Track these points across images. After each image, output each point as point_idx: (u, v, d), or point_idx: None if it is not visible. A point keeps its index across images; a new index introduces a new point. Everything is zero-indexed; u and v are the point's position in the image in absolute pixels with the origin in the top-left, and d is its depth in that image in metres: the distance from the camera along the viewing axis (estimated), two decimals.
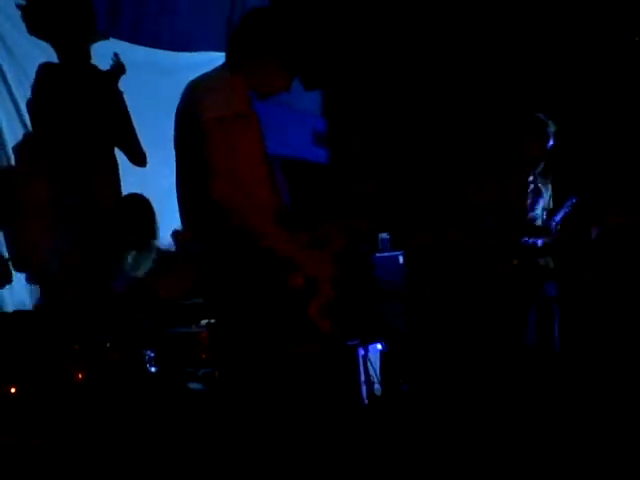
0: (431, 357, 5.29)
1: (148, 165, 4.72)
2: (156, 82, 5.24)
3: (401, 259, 5.56)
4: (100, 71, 4.56)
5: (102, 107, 4.51)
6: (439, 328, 5.57)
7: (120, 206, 4.63)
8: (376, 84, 6.95)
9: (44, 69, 4.47)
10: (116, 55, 4.55)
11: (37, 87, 4.48)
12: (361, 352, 4.70)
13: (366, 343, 4.79)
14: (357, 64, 6.92)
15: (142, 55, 5.35)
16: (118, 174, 4.61)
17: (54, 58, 4.51)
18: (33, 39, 4.55)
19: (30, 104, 4.56)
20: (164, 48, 5.67)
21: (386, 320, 5.15)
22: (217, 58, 5.96)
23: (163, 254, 4.66)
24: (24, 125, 4.77)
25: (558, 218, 5.03)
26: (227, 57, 3.11)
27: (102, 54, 4.55)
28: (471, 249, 5.19)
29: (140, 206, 4.69)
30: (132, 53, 5.02)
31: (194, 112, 2.91)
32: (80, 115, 4.45)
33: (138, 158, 4.63)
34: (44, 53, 4.55)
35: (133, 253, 4.65)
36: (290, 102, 5.94)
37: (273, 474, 2.93)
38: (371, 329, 4.97)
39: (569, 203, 5.04)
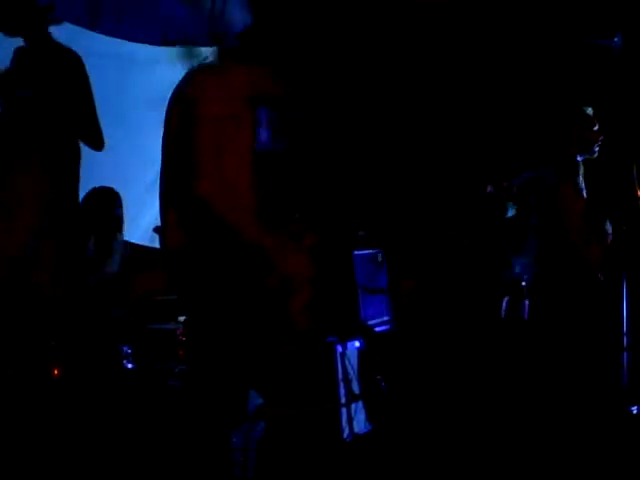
0: (410, 355, 5.30)
1: (127, 158, 4.69)
2: (134, 76, 5.21)
3: (380, 257, 5.55)
4: (65, 50, 4.45)
5: (67, 88, 4.44)
6: (419, 326, 5.58)
7: (84, 197, 4.63)
8: (363, 76, 6.93)
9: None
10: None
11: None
12: (339, 349, 4.70)
13: (344, 340, 4.79)
14: (341, 57, 6.88)
15: (121, 48, 5.31)
16: (79, 164, 4.56)
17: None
18: None
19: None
20: (145, 42, 5.63)
21: (364, 318, 5.15)
22: (197, 53, 5.99)
23: (137, 250, 4.64)
24: None
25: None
26: (226, 54, 3.09)
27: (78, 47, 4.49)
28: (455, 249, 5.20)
29: (105, 198, 4.70)
30: (111, 46, 4.99)
31: (188, 104, 2.88)
32: (46, 96, 4.38)
33: (97, 143, 4.59)
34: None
35: (101, 246, 4.66)
36: None
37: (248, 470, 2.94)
38: (349, 326, 4.97)
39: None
